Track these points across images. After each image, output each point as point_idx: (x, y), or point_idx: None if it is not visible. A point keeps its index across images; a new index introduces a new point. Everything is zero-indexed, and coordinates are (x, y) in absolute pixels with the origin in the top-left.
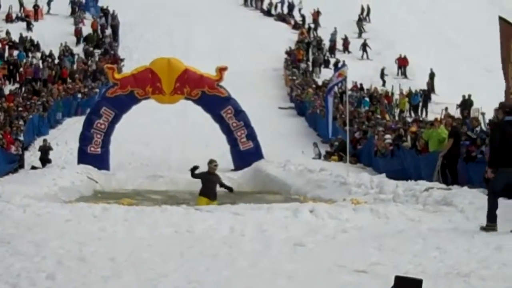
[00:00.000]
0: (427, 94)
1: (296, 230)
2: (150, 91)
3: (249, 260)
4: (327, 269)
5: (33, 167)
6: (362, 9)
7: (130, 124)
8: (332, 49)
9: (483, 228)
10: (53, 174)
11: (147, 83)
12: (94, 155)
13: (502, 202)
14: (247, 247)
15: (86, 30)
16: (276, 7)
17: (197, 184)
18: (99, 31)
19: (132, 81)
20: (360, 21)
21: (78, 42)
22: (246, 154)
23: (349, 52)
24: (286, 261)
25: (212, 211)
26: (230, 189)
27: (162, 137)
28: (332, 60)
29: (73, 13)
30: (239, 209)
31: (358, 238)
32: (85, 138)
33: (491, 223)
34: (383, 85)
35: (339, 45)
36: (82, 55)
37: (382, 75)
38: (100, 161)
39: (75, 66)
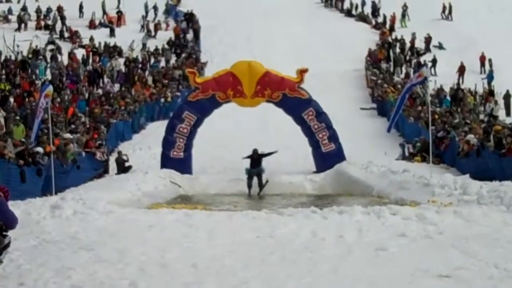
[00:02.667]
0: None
1: (378, 234)
2: (231, 94)
3: (330, 266)
4: (410, 274)
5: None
6: (444, 8)
7: (211, 127)
8: (412, 49)
9: None
10: (136, 180)
11: (228, 86)
12: (177, 159)
13: None
14: (328, 252)
15: (169, 34)
16: (356, 7)
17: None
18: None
19: (214, 84)
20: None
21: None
22: (328, 156)
23: (429, 51)
24: (368, 266)
25: (293, 215)
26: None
27: (243, 140)
28: (414, 60)
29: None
30: (320, 213)
31: (442, 241)
32: (168, 143)
33: None
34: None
35: (420, 44)
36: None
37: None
38: (183, 165)
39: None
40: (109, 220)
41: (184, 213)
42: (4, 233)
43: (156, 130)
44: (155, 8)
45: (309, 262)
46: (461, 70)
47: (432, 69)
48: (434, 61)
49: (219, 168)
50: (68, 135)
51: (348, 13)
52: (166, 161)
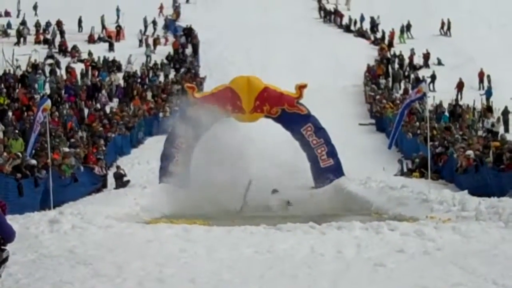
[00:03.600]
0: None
1: (376, 250)
2: (230, 109)
3: (329, 282)
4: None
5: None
6: (443, 24)
7: (210, 142)
8: (410, 65)
9: None
10: (134, 194)
11: (227, 101)
12: (175, 173)
13: None
14: (327, 268)
15: (167, 48)
16: (355, 23)
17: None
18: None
19: (212, 100)
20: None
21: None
22: (326, 171)
23: (428, 67)
24: (366, 282)
25: (292, 231)
26: None
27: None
28: (412, 76)
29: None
30: (319, 229)
31: (440, 258)
32: (166, 157)
33: None
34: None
35: (419, 60)
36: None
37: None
38: (181, 179)
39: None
40: (107, 234)
41: (183, 228)
42: (2, 247)
43: (155, 144)
44: (154, 22)
45: (308, 278)
46: (460, 86)
47: (431, 85)
48: (433, 77)
49: (217, 183)
50: (66, 149)
51: (347, 29)
52: (165, 175)
